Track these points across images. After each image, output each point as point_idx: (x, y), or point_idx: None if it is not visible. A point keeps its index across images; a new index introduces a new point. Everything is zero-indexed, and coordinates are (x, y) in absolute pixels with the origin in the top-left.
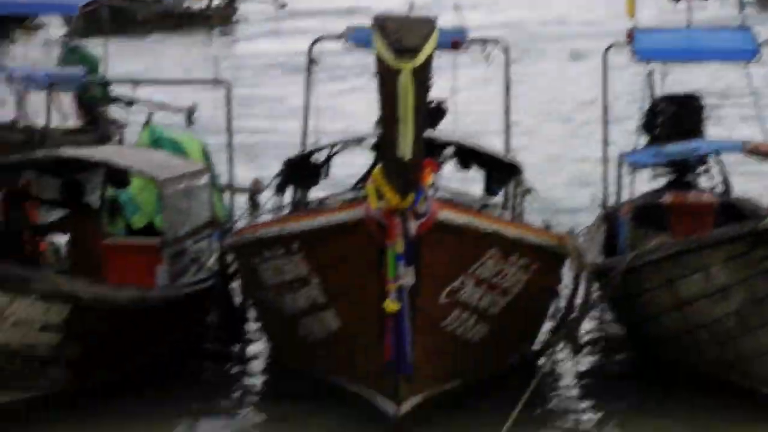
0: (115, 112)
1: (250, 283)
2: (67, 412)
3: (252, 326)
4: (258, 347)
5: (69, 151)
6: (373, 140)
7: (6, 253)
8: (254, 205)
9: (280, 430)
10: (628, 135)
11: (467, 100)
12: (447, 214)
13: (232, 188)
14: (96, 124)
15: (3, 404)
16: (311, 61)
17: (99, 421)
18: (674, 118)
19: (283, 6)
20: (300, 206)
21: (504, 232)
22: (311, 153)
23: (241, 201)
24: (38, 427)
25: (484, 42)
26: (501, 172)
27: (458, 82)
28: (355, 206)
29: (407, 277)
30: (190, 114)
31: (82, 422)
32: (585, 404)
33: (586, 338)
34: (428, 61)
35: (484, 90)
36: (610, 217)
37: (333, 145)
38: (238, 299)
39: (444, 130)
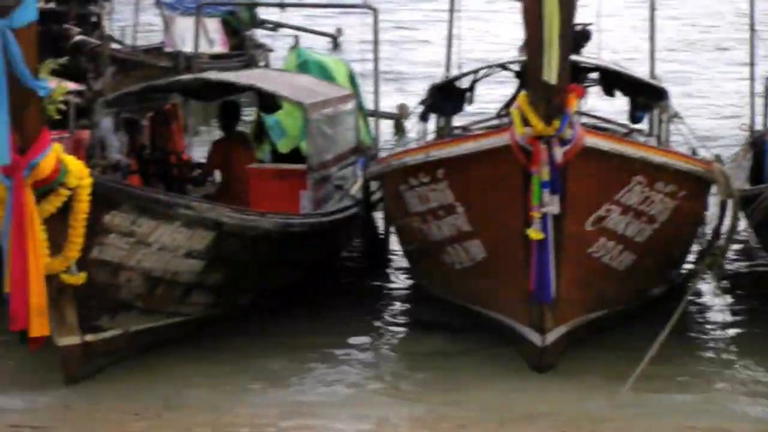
0: (261, 36)
1: (394, 210)
2: (205, 337)
3: (394, 254)
4: (400, 275)
5: (217, 75)
6: (517, 66)
7: (152, 177)
8: (400, 131)
9: (424, 358)
10: None
11: (612, 25)
12: (593, 140)
13: (377, 114)
14: (242, 48)
15: (145, 330)
16: None
17: (238, 346)
18: None
19: None
20: (445, 133)
21: (650, 158)
22: (456, 78)
23: (387, 127)
24: (177, 351)
25: None
26: (646, 97)
27: (603, 7)
28: (501, 133)
29: (552, 205)
30: (335, 38)
31: (219, 348)
32: (728, 335)
33: (731, 269)
34: None
35: (629, 15)
36: (757, 143)
37: (477, 71)
38: (381, 227)
39: (588, 54)
